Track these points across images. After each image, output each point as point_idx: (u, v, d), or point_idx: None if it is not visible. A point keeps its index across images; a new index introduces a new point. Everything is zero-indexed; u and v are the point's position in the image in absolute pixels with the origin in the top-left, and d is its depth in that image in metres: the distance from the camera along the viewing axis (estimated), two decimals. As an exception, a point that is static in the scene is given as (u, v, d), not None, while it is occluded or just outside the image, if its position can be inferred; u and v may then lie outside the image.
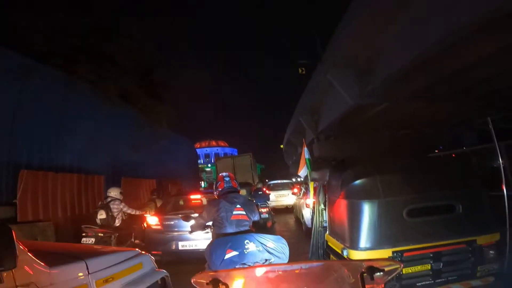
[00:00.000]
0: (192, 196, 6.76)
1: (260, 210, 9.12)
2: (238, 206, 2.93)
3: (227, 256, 2.35)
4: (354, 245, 3.16)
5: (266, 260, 2.38)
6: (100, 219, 5.73)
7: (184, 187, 14.71)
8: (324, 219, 4.63)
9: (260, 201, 9.76)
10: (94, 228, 5.56)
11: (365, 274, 1.23)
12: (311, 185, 6.23)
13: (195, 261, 3.64)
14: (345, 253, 3.26)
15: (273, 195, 14.63)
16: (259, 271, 1.44)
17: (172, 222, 5.85)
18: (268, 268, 1.49)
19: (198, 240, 5.41)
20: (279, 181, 17.77)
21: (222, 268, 2.28)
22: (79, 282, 2.06)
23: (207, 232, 3.48)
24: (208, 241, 2.73)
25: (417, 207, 3.21)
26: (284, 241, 2.48)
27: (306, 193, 8.37)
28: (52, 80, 7.74)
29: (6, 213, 6.00)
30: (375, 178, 3.28)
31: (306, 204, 8.24)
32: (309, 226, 6.59)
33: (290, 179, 23.44)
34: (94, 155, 9.28)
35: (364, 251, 3.07)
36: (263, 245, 2.43)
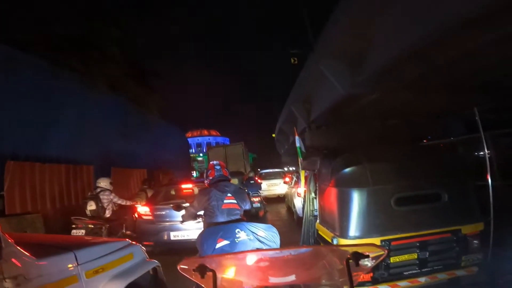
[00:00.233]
0: (184, 186, 6.71)
1: (252, 200, 9.16)
2: (229, 194, 2.92)
3: (218, 245, 2.36)
4: (344, 233, 3.19)
5: (257, 249, 2.39)
6: (90, 210, 5.66)
7: (176, 177, 14.66)
8: (315, 208, 4.65)
9: (252, 190, 9.79)
10: (84, 219, 5.48)
11: (351, 261, 1.23)
12: (302, 174, 6.27)
13: (188, 251, 3.65)
14: (335, 242, 3.30)
15: (265, 184, 14.67)
16: (247, 257, 1.44)
17: (163, 212, 5.82)
18: (257, 253, 1.48)
19: (190, 230, 5.42)
20: (271, 170, 17.80)
21: None
22: (68, 273, 2.05)
23: (199, 222, 3.48)
24: (200, 231, 2.74)
25: (404, 196, 3.24)
26: (275, 229, 2.49)
27: (298, 182, 8.41)
28: (36, 70, 7.53)
29: None
30: (364, 166, 3.30)
31: (297, 193, 8.30)
32: (300, 215, 6.65)
33: (282, 168, 23.56)
34: (83, 145, 9.13)
35: (353, 239, 3.11)
36: (254, 234, 2.44)
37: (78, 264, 2.13)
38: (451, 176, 3.39)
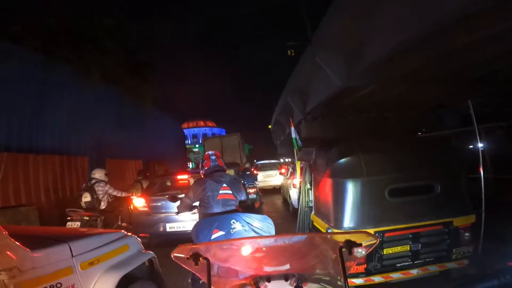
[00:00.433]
0: (179, 177, 6.66)
1: (248, 191, 9.19)
2: (224, 185, 2.92)
3: (214, 236, 2.36)
4: (338, 225, 3.22)
5: (251, 241, 2.41)
6: (85, 202, 5.61)
7: (171, 168, 14.64)
8: (310, 199, 4.68)
9: (248, 181, 9.80)
10: (79, 211, 5.41)
11: (343, 249, 1.24)
12: (298, 165, 6.29)
13: (184, 242, 3.67)
14: (329, 231, 3.34)
15: (260, 175, 14.65)
16: (242, 246, 1.43)
17: (159, 204, 5.79)
18: (251, 241, 1.48)
19: (186, 221, 5.42)
20: (267, 161, 17.82)
21: None
22: (63, 265, 2.04)
23: (194, 213, 3.49)
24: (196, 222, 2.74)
25: (398, 187, 3.27)
26: (270, 220, 2.50)
27: (293, 173, 8.45)
28: (29, 61, 7.42)
29: None
30: (359, 157, 3.31)
31: (293, 185, 8.33)
32: (296, 206, 6.69)
33: (278, 159, 23.60)
34: (76, 136, 9.04)
35: (348, 230, 3.15)
36: (250, 225, 2.44)
37: (73, 256, 2.11)
38: (444, 168, 3.41)
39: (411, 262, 3.16)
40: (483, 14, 5.22)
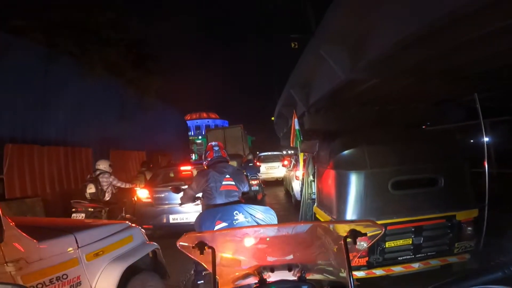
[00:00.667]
0: (183, 168, 6.66)
1: (250, 183, 9.20)
2: (227, 176, 2.93)
3: (217, 227, 2.38)
4: (341, 217, 3.21)
5: (254, 231, 2.43)
6: (90, 193, 5.63)
7: (174, 159, 14.70)
8: (313, 191, 4.67)
9: (250, 173, 9.79)
10: (84, 203, 5.43)
11: (348, 239, 1.24)
12: (301, 157, 6.29)
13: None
14: (331, 226, 3.34)
15: (263, 167, 14.61)
16: (246, 235, 1.44)
17: (162, 195, 5.81)
18: (255, 231, 1.49)
19: (189, 213, 5.43)
20: (269, 153, 17.75)
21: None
22: (69, 256, 2.05)
23: (197, 204, 3.50)
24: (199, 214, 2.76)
25: (401, 180, 3.25)
26: (272, 212, 2.51)
27: (296, 165, 8.45)
28: (34, 54, 7.43)
29: None
30: (363, 149, 3.28)
31: (295, 176, 8.33)
32: (299, 198, 6.68)
33: (281, 151, 23.54)
34: (81, 127, 9.12)
35: (351, 223, 3.15)
36: (252, 216, 2.46)
37: (78, 247, 2.12)
38: (448, 162, 3.38)
39: (413, 256, 3.16)
40: (483, 11, 5.16)
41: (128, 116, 11.60)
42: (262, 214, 2.48)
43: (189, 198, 3.17)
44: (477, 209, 3.33)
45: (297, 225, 1.67)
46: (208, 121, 66.76)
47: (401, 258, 3.16)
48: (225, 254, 1.45)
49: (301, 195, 5.43)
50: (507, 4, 4.90)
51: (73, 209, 5.34)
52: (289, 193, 10.33)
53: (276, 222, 2.47)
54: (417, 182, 3.36)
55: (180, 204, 3.38)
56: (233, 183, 2.94)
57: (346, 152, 3.36)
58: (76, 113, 8.86)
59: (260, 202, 9.66)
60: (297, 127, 6.60)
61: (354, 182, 3.18)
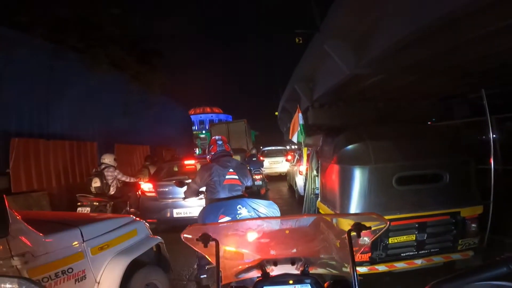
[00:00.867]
0: (186, 162, 6.68)
1: (254, 177, 9.21)
2: (230, 170, 2.93)
3: (220, 221, 2.40)
4: (344, 212, 3.19)
5: (258, 225, 2.44)
6: (95, 187, 5.67)
7: (178, 154, 14.75)
8: (316, 186, 4.67)
9: (254, 167, 9.79)
10: (89, 197, 5.49)
11: (352, 233, 1.24)
12: (305, 151, 6.27)
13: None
14: (334, 221, 3.33)
15: (267, 162, 14.54)
16: (250, 229, 1.45)
17: (166, 189, 5.83)
18: (259, 224, 1.49)
19: (193, 207, 5.47)
20: (273, 148, 17.68)
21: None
22: (75, 250, 2.06)
23: (201, 199, 3.51)
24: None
25: (406, 175, 3.22)
26: (276, 206, 2.51)
27: (300, 160, 8.43)
28: (39, 50, 7.45)
29: (0, 184, 5.90)
30: (367, 144, 3.25)
31: (299, 171, 8.32)
32: (302, 193, 6.69)
33: (284, 146, 23.49)
34: (86, 121, 9.16)
35: (354, 218, 3.13)
36: (255, 211, 2.47)
37: (84, 241, 2.13)
38: (454, 158, 3.35)
39: (416, 252, 3.14)
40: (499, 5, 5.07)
41: (132, 111, 11.64)
42: (265, 208, 2.49)
43: (192, 192, 3.18)
44: (482, 206, 3.29)
45: (301, 217, 1.67)
46: (212, 116, 66.70)
47: (404, 254, 3.14)
48: (228, 247, 1.46)
49: (304, 190, 5.42)
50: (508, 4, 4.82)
51: (79, 203, 5.39)
52: (292, 188, 10.31)
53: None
54: (421, 178, 3.33)
55: (184, 198, 3.39)
56: (236, 177, 2.94)
57: (350, 146, 3.33)
58: (82, 108, 8.89)
59: (263, 197, 9.68)
60: (301, 121, 6.58)
61: (358, 177, 3.15)
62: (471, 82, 9.27)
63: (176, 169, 6.99)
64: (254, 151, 11.44)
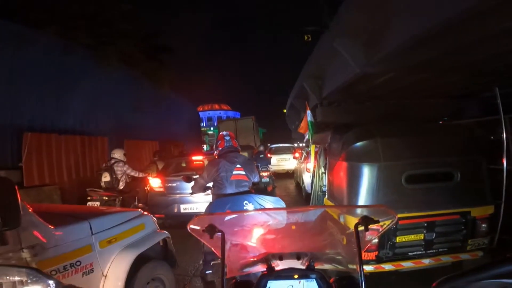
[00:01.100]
0: (194, 157, 6.69)
1: (261, 174, 9.21)
2: (238, 165, 2.92)
3: (226, 218, 2.40)
4: (351, 210, 3.18)
5: (264, 222, 2.44)
6: (105, 182, 5.77)
7: (186, 150, 14.85)
8: (324, 183, 4.63)
9: (261, 164, 9.77)
10: (99, 191, 5.55)
11: (360, 226, 1.22)
12: (312, 149, 6.24)
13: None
14: (341, 219, 3.31)
15: (274, 159, 14.55)
16: (256, 223, 1.46)
17: (174, 184, 5.86)
18: (263, 222, 1.48)
19: (200, 203, 5.49)
20: (281, 145, 17.64)
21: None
22: (83, 243, 2.07)
23: (208, 194, 3.52)
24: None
25: (415, 173, 3.17)
26: (282, 202, 2.50)
27: (307, 157, 8.40)
28: (50, 46, 7.56)
29: (13, 178, 5.97)
30: (376, 141, 3.19)
31: (306, 169, 8.29)
32: (309, 191, 6.65)
33: (292, 143, 23.38)
34: (96, 117, 9.31)
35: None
36: (262, 206, 2.46)
37: (92, 234, 2.14)
38: (465, 157, 3.28)
39: (424, 252, 3.09)
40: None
41: (142, 107, 11.79)
42: (272, 204, 2.48)
43: (200, 188, 3.18)
44: (493, 205, 3.22)
45: (307, 210, 1.66)
46: (220, 113, 66.82)
47: (412, 253, 3.09)
48: (234, 240, 1.46)
49: (311, 187, 5.39)
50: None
51: (88, 198, 5.46)
52: (299, 185, 10.29)
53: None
54: (432, 177, 3.26)
55: (191, 193, 3.39)
56: (243, 172, 2.93)
57: (359, 144, 3.28)
58: (93, 103, 9.03)
59: (270, 194, 9.65)
60: (309, 119, 6.54)
61: (367, 174, 3.11)
62: (487, 80, 9.04)
63: (184, 164, 7.02)
64: (261, 148, 11.42)
